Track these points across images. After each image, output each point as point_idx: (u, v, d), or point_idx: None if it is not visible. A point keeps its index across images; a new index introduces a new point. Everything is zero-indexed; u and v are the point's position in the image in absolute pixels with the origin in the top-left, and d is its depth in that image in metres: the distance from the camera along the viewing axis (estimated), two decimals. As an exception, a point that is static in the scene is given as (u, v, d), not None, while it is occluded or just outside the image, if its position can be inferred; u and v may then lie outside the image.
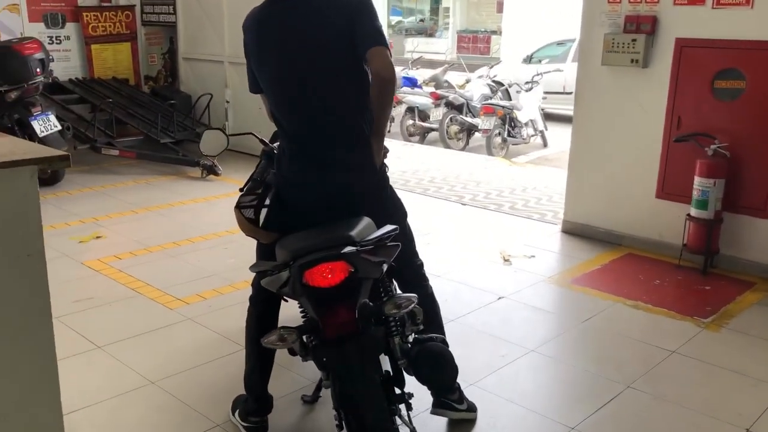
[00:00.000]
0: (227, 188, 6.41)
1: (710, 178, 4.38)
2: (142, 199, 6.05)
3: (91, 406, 2.87)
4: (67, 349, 3.25)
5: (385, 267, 2.17)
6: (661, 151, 4.77)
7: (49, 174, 5.94)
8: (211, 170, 6.81)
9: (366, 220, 2.28)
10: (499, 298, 4.11)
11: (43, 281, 2.26)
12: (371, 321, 2.10)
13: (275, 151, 2.72)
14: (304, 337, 2.20)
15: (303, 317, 2.32)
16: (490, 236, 5.29)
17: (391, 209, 2.63)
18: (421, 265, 2.83)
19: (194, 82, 8.44)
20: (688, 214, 4.51)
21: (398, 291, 2.67)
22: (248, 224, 2.57)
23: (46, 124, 6.19)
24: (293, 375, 3.11)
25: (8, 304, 2.18)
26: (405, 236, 2.64)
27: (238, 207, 2.62)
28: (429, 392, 2.76)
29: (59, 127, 6.34)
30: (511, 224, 5.63)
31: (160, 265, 4.50)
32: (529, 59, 13.35)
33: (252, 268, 2.21)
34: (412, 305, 2.13)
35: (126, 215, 5.58)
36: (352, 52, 2.40)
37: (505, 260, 4.75)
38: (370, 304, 2.07)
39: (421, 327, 2.40)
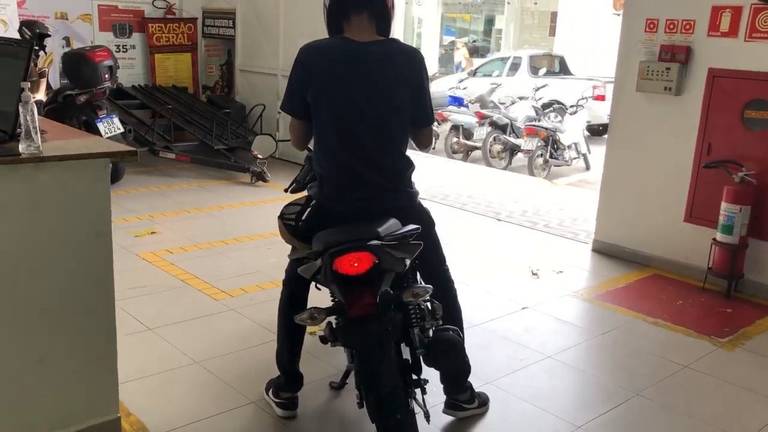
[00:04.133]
0: (275, 194, 6.75)
1: (736, 204, 4.51)
2: (195, 200, 6.44)
3: (141, 379, 3.19)
4: (121, 329, 3.52)
5: (407, 262, 2.42)
6: (691, 177, 4.92)
7: (110, 173, 6.36)
8: (260, 176, 7.18)
9: (393, 220, 2.55)
10: (523, 308, 4.31)
11: (108, 257, 2.61)
12: (391, 306, 2.36)
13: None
14: (333, 323, 2.47)
15: (333, 302, 2.60)
16: (521, 251, 5.49)
17: (418, 219, 2.88)
18: (447, 269, 3.06)
19: (249, 93, 8.87)
20: (714, 239, 4.65)
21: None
22: (288, 234, 2.88)
23: (110, 126, 6.64)
24: (323, 364, 3.38)
25: (79, 275, 2.51)
26: (432, 242, 2.90)
27: (281, 217, 2.93)
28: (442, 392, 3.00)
29: (122, 130, 6.78)
30: (544, 241, 5.82)
31: (208, 261, 4.83)
32: (473, 74, 13.96)
33: (290, 255, 2.49)
34: (427, 294, 2.39)
35: (179, 214, 5.96)
36: (407, 106, 2.72)
37: (533, 274, 4.94)
38: (390, 291, 2.33)
39: (440, 322, 2.66)
